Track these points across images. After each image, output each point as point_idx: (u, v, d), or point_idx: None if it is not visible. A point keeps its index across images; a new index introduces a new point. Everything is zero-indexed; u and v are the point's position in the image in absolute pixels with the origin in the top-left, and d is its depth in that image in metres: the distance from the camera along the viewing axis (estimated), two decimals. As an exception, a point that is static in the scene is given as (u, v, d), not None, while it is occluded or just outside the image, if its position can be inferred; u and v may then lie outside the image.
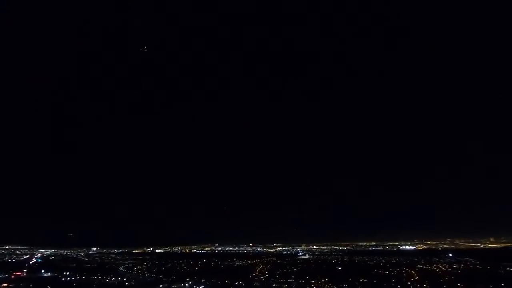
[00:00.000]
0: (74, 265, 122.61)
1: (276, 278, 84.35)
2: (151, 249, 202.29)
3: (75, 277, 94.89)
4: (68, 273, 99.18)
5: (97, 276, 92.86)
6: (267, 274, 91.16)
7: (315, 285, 74.79)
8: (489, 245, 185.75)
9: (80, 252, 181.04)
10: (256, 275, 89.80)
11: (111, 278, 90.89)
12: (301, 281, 78.52)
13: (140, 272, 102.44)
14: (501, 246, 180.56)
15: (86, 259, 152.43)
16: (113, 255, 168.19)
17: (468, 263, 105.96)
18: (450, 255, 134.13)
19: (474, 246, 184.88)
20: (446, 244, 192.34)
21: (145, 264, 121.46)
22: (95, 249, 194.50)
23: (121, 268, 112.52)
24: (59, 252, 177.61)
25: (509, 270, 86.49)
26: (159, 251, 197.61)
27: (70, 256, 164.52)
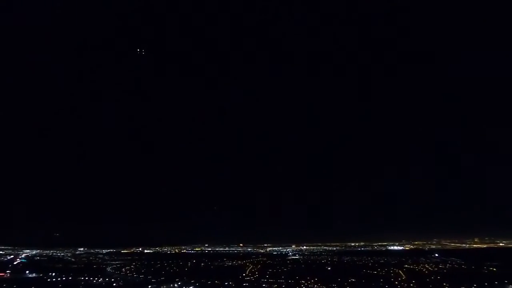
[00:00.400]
0: (60, 265, 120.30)
1: (266, 278, 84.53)
2: (140, 249, 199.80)
3: (61, 278, 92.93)
4: (54, 273, 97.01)
5: (84, 277, 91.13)
6: (257, 274, 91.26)
7: (304, 285, 75.30)
8: (474, 245, 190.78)
9: (67, 252, 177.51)
10: (246, 276, 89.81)
11: (98, 278, 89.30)
12: (291, 281, 78.93)
13: (128, 273, 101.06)
14: (485, 246, 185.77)
15: (73, 259, 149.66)
16: (101, 256, 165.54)
17: (453, 263, 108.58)
18: (437, 255, 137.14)
19: (460, 246, 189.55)
20: (433, 244, 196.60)
21: (133, 265, 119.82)
22: (82, 249, 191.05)
23: (109, 269, 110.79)
24: (44, 252, 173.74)
25: (492, 270, 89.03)
26: (148, 251, 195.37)
27: (56, 256, 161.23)
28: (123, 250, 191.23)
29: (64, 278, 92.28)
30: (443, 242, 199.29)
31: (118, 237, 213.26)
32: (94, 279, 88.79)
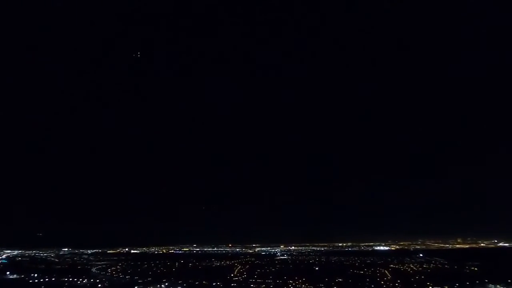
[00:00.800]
0: (43, 266, 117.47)
1: (254, 278, 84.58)
2: (127, 249, 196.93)
3: (44, 278, 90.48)
4: (36, 274, 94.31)
5: (68, 278, 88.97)
6: (245, 274, 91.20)
7: (292, 285, 75.69)
8: (457, 245, 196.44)
9: (50, 252, 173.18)
10: (235, 276, 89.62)
11: (83, 279, 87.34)
12: (279, 281, 79.22)
13: (114, 274, 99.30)
14: (467, 246, 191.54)
15: (57, 260, 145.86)
16: (86, 256, 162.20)
17: (437, 262, 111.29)
18: (421, 255, 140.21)
19: (443, 246, 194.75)
20: (418, 244, 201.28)
21: (120, 265, 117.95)
22: (66, 249, 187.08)
23: (94, 269, 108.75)
24: (26, 252, 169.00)
25: (473, 269, 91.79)
26: (135, 251, 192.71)
27: (39, 257, 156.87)
28: (109, 250, 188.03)
29: (47, 279, 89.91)
30: (428, 243, 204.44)
31: (104, 237, 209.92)
32: (78, 280, 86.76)
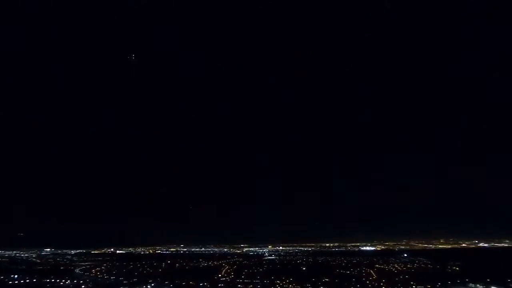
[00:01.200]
0: (24, 267, 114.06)
1: (242, 278, 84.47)
2: (112, 250, 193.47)
3: (25, 280, 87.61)
4: (16, 276, 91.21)
5: (50, 279, 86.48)
6: (233, 275, 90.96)
7: (279, 285, 75.98)
8: (439, 246, 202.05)
9: (32, 253, 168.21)
10: (222, 276, 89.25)
11: (65, 280, 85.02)
12: (266, 282, 79.38)
13: (98, 274, 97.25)
14: (449, 247, 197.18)
15: (38, 260, 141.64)
16: (69, 256, 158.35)
17: (421, 262, 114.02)
18: (405, 255, 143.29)
19: (427, 246, 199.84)
20: (402, 245, 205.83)
21: (104, 266, 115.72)
22: (48, 249, 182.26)
23: (77, 270, 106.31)
24: (6, 253, 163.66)
25: (455, 269, 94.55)
26: (120, 252, 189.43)
27: (20, 257, 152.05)
28: (94, 250, 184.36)
29: (27, 281, 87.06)
30: (412, 243, 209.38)
31: (88, 237, 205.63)
32: (61, 281, 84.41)
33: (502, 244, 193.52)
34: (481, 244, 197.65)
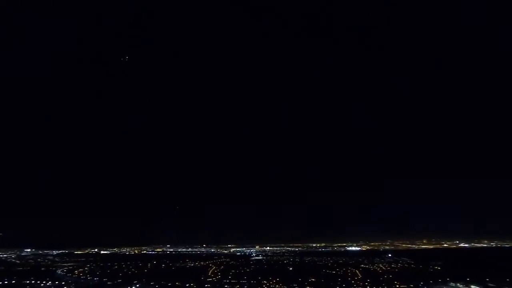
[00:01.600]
0: (2, 268, 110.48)
1: (229, 279, 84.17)
2: (96, 250, 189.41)
3: (3, 281, 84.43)
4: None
5: (30, 281, 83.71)
6: (219, 275, 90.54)
7: (266, 286, 76.11)
8: (422, 246, 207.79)
9: (11, 253, 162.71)
10: (209, 277, 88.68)
11: (46, 282, 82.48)
12: (253, 282, 79.36)
13: (81, 275, 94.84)
14: (431, 247, 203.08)
15: (18, 261, 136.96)
16: (51, 257, 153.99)
17: (404, 262, 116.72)
18: (389, 255, 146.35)
19: (410, 247, 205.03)
20: (387, 245, 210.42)
21: (88, 267, 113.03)
22: (29, 250, 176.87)
23: (59, 271, 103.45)
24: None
25: (437, 269, 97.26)
26: (104, 252, 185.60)
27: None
28: (77, 251, 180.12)
29: (6, 282, 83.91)
30: (396, 243, 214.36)
31: (71, 237, 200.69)
32: (41, 283, 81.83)
33: (481, 245, 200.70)
34: (461, 245, 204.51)
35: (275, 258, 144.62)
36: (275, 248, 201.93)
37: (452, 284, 73.15)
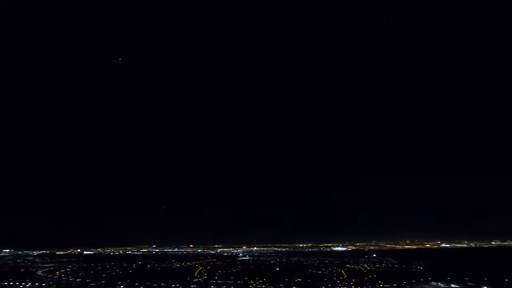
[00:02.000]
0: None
1: (215, 279, 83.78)
2: (79, 250, 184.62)
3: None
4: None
5: (8, 282, 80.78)
6: (206, 275, 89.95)
7: (253, 286, 76.17)
8: (406, 246, 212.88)
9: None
10: (195, 277, 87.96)
11: (26, 283, 79.80)
12: (240, 282, 79.28)
13: (63, 276, 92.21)
14: (414, 247, 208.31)
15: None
16: (31, 258, 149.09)
17: (388, 262, 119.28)
18: (374, 255, 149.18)
19: (394, 247, 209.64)
20: (372, 245, 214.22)
21: (70, 267, 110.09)
22: (7, 250, 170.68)
23: (39, 272, 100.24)
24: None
25: (419, 268, 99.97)
26: (88, 252, 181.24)
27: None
28: (58, 251, 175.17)
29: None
30: (381, 244, 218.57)
31: (52, 237, 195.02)
32: (20, 284, 79.11)
33: (462, 245, 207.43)
34: (443, 245, 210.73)
35: (262, 258, 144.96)
36: (262, 249, 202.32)
37: (434, 283, 75.27)
